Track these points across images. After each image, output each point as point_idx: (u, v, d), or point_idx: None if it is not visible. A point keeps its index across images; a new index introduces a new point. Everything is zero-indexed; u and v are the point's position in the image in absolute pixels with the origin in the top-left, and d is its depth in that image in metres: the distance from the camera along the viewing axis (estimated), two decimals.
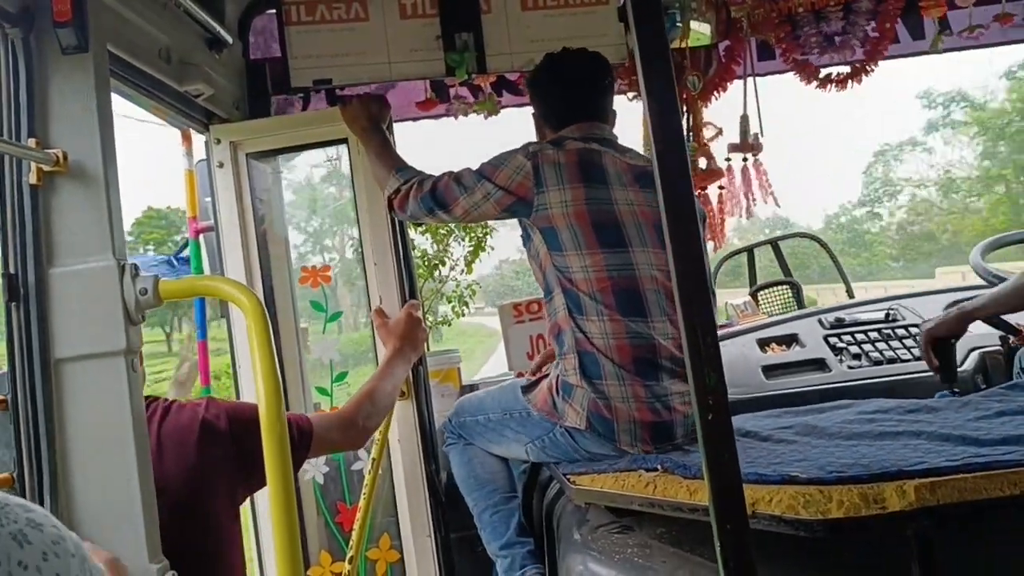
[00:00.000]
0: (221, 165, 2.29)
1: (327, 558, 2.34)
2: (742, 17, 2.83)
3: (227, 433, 1.53)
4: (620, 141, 2.12)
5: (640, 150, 2.24)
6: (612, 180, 1.95)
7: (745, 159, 2.93)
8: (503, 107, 2.81)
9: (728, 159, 2.94)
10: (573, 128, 2.07)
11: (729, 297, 3.67)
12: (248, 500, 1.97)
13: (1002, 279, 2.21)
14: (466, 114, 2.79)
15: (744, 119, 2.92)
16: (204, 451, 1.49)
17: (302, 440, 1.67)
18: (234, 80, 2.37)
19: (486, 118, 2.81)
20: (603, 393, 1.85)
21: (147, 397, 1.54)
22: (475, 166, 2.06)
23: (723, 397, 0.97)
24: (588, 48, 2.15)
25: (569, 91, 2.12)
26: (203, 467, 1.49)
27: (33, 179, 1.26)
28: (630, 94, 2.82)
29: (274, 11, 2.40)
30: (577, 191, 1.92)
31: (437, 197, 2.06)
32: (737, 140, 2.92)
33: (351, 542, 2.10)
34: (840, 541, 1.27)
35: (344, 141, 2.33)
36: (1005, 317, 2.29)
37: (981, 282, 2.39)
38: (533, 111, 2.24)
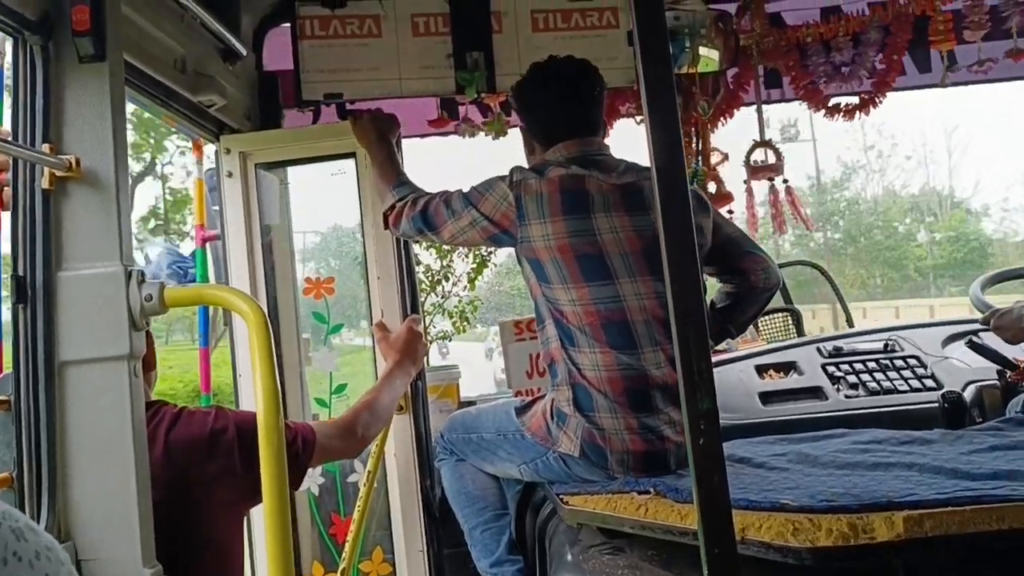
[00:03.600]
0: (230, 175, 2.32)
1: (319, 569, 2.35)
2: (751, 45, 2.87)
3: (233, 444, 1.52)
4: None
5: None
6: (596, 208, 1.88)
7: (772, 180, 3.00)
8: (511, 127, 2.83)
9: (746, 182, 2.98)
10: (560, 147, 2.00)
11: None
12: None
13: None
14: (473, 135, 2.81)
15: (759, 143, 2.96)
16: (211, 462, 1.50)
17: (306, 449, 1.67)
18: (246, 91, 2.40)
19: (495, 138, 2.82)
20: (596, 424, 1.85)
21: (155, 402, 1.55)
22: (466, 188, 2.02)
23: (715, 422, 0.98)
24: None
25: (558, 106, 2.03)
26: (209, 478, 1.50)
27: (46, 184, 1.28)
28: (638, 117, 2.85)
29: (288, 25, 2.43)
30: (558, 224, 1.87)
31: (427, 218, 2.04)
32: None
33: (344, 554, 2.11)
34: (828, 570, 1.27)
35: (353, 155, 2.35)
36: (1002, 351, 2.30)
37: (980, 315, 2.39)
38: (521, 126, 2.18)
